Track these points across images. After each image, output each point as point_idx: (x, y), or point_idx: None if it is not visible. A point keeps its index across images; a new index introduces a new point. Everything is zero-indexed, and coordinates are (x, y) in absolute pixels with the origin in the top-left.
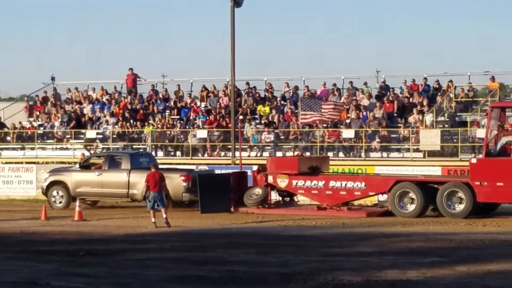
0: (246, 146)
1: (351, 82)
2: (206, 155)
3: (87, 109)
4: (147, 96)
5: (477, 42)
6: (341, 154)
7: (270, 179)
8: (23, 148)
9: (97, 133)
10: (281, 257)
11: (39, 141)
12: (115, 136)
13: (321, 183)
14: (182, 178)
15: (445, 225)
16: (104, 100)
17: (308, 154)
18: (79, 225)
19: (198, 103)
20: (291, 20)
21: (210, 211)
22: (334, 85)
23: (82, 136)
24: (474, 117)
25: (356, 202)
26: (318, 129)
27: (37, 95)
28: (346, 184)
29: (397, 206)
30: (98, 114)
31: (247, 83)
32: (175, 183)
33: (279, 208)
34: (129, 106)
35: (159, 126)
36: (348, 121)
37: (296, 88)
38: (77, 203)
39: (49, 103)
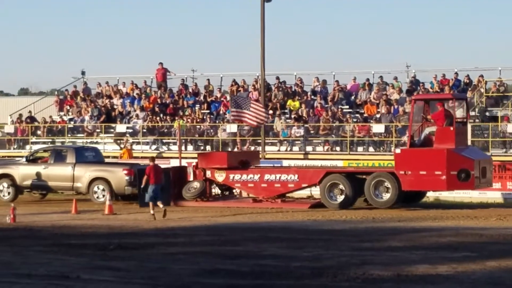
0: (276, 141)
1: (381, 77)
2: (236, 149)
3: (117, 103)
4: (177, 91)
5: (508, 37)
6: (371, 149)
7: (208, 173)
8: (53, 142)
9: (127, 127)
10: (311, 252)
11: (69, 135)
12: (145, 130)
13: (256, 177)
14: (125, 172)
15: (476, 220)
16: (134, 94)
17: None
18: (110, 219)
19: (228, 98)
20: (321, 15)
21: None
22: (367, 80)
23: (112, 130)
24: (505, 112)
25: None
26: (348, 124)
27: (67, 89)
28: (280, 177)
29: (327, 197)
30: (128, 108)
31: (277, 78)
32: (118, 177)
33: (217, 201)
34: (159, 101)
35: (189, 120)
36: (378, 116)
37: (325, 82)
38: (108, 196)
39: (79, 97)
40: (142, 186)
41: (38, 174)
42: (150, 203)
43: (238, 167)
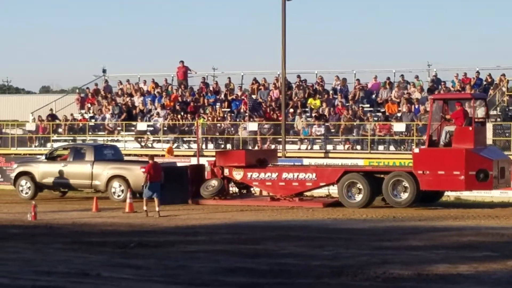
0: (297, 139)
1: (402, 76)
2: (256, 147)
3: (138, 101)
4: (197, 89)
5: None
6: (392, 148)
7: (226, 171)
8: (74, 140)
9: (148, 126)
10: (331, 250)
11: (90, 133)
12: (165, 128)
13: (274, 175)
14: (143, 170)
15: (497, 219)
16: (155, 92)
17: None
18: (130, 217)
19: (248, 97)
20: (342, 13)
21: (168, 203)
22: (388, 78)
23: (133, 128)
24: None
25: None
26: (369, 123)
27: (88, 88)
28: (298, 176)
29: (345, 196)
30: (149, 106)
31: (298, 76)
32: (136, 174)
33: (234, 199)
34: (179, 99)
35: (210, 118)
36: (399, 114)
37: (345, 80)
38: (128, 194)
39: (100, 95)
40: (142, 184)
41: (57, 172)
42: (145, 199)
43: (256, 165)
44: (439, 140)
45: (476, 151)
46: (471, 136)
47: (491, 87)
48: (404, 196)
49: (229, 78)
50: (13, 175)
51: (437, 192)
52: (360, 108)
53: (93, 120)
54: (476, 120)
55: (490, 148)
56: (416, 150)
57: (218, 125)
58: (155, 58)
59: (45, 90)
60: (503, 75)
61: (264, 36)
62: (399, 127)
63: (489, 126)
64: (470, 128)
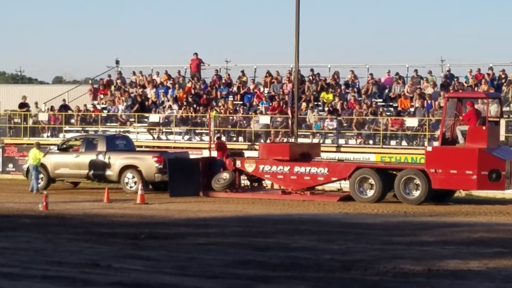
0: (309, 133)
1: (416, 71)
2: (268, 141)
3: (150, 93)
4: (210, 81)
5: None
6: (404, 143)
7: (238, 163)
8: (86, 131)
9: (165, 117)
10: (342, 245)
11: (102, 124)
12: (178, 120)
13: (286, 169)
14: (155, 159)
15: (509, 215)
16: (168, 84)
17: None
18: (141, 208)
19: (262, 89)
20: (356, 7)
21: (180, 195)
22: (397, 73)
23: (145, 120)
24: None
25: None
26: (381, 117)
27: (101, 78)
28: (310, 170)
29: (357, 191)
30: (162, 98)
31: (312, 70)
32: (148, 164)
33: (246, 192)
34: (192, 91)
35: (222, 111)
36: (412, 109)
37: (355, 75)
38: (140, 186)
39: (113, 86)
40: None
41: (69, 163)
42: None
43: (299, 159)
44: (452, 139)
45: (489, 151)
46: (485, 136)
47: (505, 83)
48: (416, 193)
49: (243, 71)
50: (25, 166)
51: (449, 191)
52: (373, 103)
53: (105, 111)
54: (489, 119)
55: (503, 148)
56: (429, 149)
57: (230, 118)
58: (168, 50)
59: (58, 80)
60: None
61: (277, 29)
62: (411, 122)
63: (502, 123)
64: (484, 128)
